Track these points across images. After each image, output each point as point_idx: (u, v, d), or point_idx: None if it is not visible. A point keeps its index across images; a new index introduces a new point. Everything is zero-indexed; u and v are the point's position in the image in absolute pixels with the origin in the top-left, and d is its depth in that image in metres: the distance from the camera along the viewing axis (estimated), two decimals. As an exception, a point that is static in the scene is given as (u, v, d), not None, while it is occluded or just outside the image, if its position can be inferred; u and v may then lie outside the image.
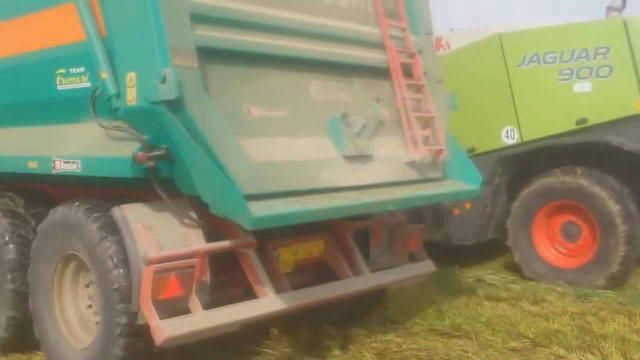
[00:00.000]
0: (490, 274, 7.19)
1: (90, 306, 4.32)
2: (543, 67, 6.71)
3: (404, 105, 4.75)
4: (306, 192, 4.00)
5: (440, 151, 4.88)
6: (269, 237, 4.51)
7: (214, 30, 3.79)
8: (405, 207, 4.94)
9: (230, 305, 3.97)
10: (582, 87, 6.56)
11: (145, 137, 3.73)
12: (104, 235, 3.90)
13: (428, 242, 5.78)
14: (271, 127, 4.01)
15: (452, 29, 7.78)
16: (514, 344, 5.07)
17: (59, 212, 4.27)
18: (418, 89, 4.94)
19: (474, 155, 7.08)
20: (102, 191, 4.40)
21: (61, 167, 4.22)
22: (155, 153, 3.67)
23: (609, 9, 7.11)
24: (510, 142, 6.93)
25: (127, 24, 3.73)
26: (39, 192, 4.96)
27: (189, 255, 3.85)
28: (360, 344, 5.08)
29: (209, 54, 3.75)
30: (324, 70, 4.45)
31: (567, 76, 6.60)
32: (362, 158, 4.40)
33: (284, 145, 4.02)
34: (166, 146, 3.67)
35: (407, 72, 4.94)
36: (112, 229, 3.91)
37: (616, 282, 6.49)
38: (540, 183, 6.82)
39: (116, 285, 3.82)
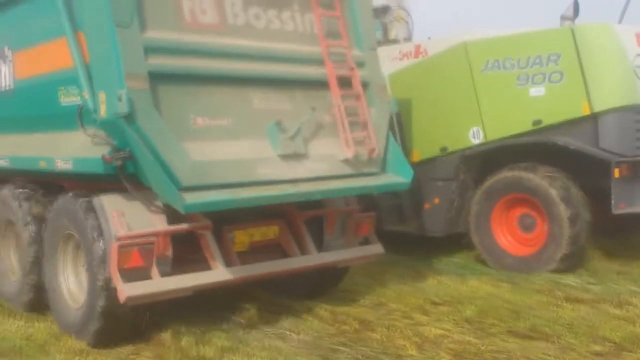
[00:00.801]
0: (566, 275, 7.08)
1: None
2: (503, 73, 7.39)
3: (339, 112, 5.69)
4: (244, 184, 5.03)
5: (373, 150, 5.80)
6: (229, 221, 5.58)
7: (164, 58, 4.86)
8: (335, 196, 5.88)
9: (183, 275, 5.06)
10: (536, 91, 7.22)
11: (115, 142, 4.84)
12: (87, 218, 5.05)
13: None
14: (214, 133, 5.05)
15: (429, 38, 8.57)
16: (597, 347, 4.99)
17: (59, 201, 5.48)
18: (356, 97, 5.86)
19: (447, 154, 7.90)
20: (96, 184, 5.53)
21: (61, 165, 5.42)
22: (119, 155, 4.78)
23: (562, 18, 7.67)
24: (476, 141, 7.63)
25: (99, 54, 4.84)
26: (53, 183, 6.16)
27: (151, 235, 4.95)
28: (437, 344, 5.19)
29: (160, 77, 4.82)
30: (267, 85, 5.45)
31: (524, 81, 7.27)
32: (296, 156, 5.38)
33: (225, 147, 5.06)
34: (129, 150, 4.77)
35: (347, 83, 5.87)
36: (94, 213, 5.06)
37: (567, 263, 7.10)
38: (495, 179, 7.51)
39: (96, 255, 4.97)
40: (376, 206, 7.84)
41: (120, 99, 4.56)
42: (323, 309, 6.08)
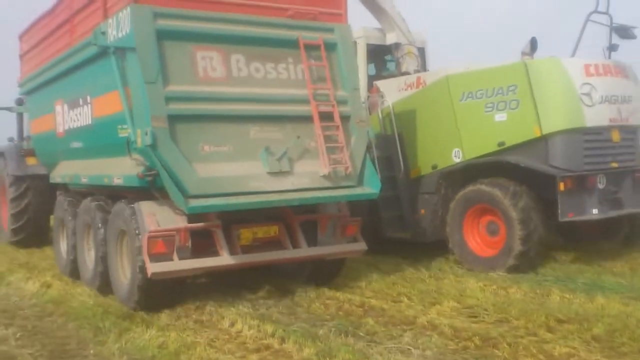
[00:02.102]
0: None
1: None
2: (475, 102, 8.87)
3: (320, 139, 7.44)
4: (238, 194, 6.90)
5: (347, 168, 7.50)
6: (235, 221, 7.45)
7: (180, 104, 6.83)
8: (311, 203, 7.53)
9: (196, 259, 6.99)
10: (500, 117, 8.63)
11: (147, 164, 6.86)
12: (132, 218, 7.09)
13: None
14: (217, 156, 6.95)
15: (428, 70, 10.08)
16: None
17: (116, 207, 7.58)
18: (336, 128, 7.60)
19: (436, 171, 9.39)
20: (143, 194, 7.55)
21: (116, 181, 7.53)
22: (149, 172, 6.79)
23: (522, 53, 8.96)
24: (457, 160, 9.10)
25: (137, 102, 6.88)
26: (118, 194, 8.27)
27: (173, 230, 6.91)
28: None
29: (177, 118, 6.79)
30: (262, 120, 7.31)
31: (490, 108, 8.71)
32: (282, 173, 7.19)
33: (225, 167, 6.95)
34: (155, 169, 6.76)
35: (330, 117, 7.62)
36: (135, 215, 7.09)
37: (521, 260, 8.31)
38: (464, 192, 8.89)
39: (136, 245, 6.98)
40: (379, 216, 9.51)
41: (147, 134, 6.57)
42: (444, 324, 6.28)
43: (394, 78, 10.07)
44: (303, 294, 7.68)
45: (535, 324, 6.17)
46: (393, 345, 5.78)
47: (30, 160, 12.32)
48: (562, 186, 8.12)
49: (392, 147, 9.59)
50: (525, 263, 8.41)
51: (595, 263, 8.75)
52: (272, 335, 6.04)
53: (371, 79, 10.65)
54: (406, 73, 10.25)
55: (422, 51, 11.14)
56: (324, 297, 7.58)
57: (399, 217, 9.70)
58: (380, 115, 9.80)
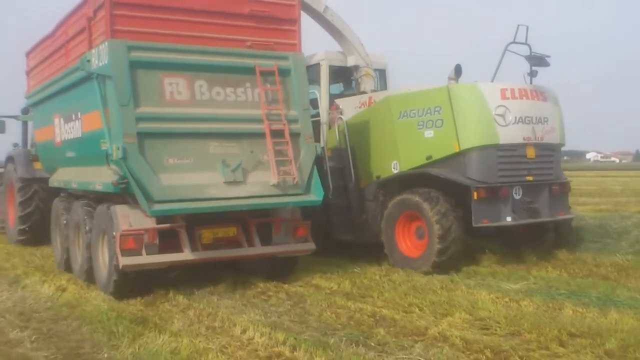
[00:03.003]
0: None
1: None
2: (410, 120, 10.04)
3: (271, 153, 8.66)
4: (197, 199, 8.15)
5: (294, 178, 8.71)
6: (199, 223, 8.69)
7: (148, 123, 8.10)
8: (263, 208, 8.77)
9: (160, 254, 8.25)
10: (428, 134, 9.81)
11: (121, 173, 8.13)
12: (109, 219, 8.38)
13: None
14: (180, 168, 8.21)
15: (375, 90, 11.30)
16: None
17: (98, 209, 8.88)
18: (286, 144, 8.81)
19: (376, 181, 10.52)
20: (121, 198, 8.81)
21: (98, 187, 8.82)
22: (122, 181, 8.06)
23: (449, 78, 10.06)
24: (395, 171, 10.26)
25: (113, 121, 8.16)
26: (102, 198, 9.53)
27: (142, 230, 8.18)
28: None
29: (146, 135, 8.06)
30: (221, 137, 8.55)
31: (421, 126, 9.88)
32: (236, 182, 8.43)
33: (187, 177, 8.20)
34: (126, 179, 8.04)
35: (281, 134, 8.84)
36: (112, 216, 8.38)
37: (441, 258, 9.34)
38: (395, 200, 10.03)
39: (112, 241, 8.26)
40: (331, 221, 10.71)
41: (119, 149, 7.85)
42: (455, 336, 6.32)
43: (352, 97, 11.28)
44: (314, 302, 7.95)
45: (548, 338, 6.18)
46: (404, 356, 5.84)
47: (37, 165, 13.63)
48: (475, 195, 9.24)
49: (345, 159, 10.79)
50: (445, 261, 9.47)
51: (609, 278, 9.13)
52: (284, 343, 6.13)
53: (338, 96, 11.83)
54: (363, 92, 11.42)
55: (382, 73, 12.33)
56: (335, 306, 7.76)
57: (348, 221, 10.86)
58: (337, 130, 11.00)
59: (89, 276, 9.33)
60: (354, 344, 6.17)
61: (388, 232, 10.15)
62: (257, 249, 8.90)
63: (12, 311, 7.88)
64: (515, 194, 9.57)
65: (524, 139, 9.59)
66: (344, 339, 6.34)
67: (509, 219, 9.50)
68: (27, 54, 12.62)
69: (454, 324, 6.80)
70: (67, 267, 10.28)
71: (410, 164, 10.05)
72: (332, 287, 8.88)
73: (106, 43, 8.13)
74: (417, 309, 7.49)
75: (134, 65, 8.16)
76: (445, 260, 9.49)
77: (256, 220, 9.05)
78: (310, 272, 9.67)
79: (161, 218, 8.32)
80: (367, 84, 11.64)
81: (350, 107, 11.07)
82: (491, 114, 9.38)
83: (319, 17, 11.57)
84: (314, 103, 11.18)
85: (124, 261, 8.03)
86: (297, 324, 7.03)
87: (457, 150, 9.46)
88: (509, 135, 9.47)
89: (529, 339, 6.24)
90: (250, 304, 7.98)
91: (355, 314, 7.34)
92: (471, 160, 9.42)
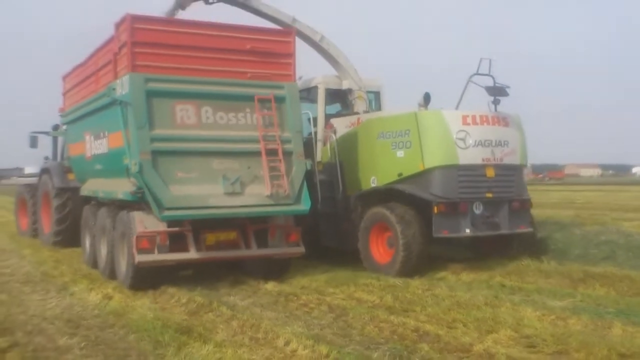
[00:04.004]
0: None
1: (130, 253, 10.40)
2: (385, 141, 11.40)
3: (265, 169, 10.15)
4: (201, 207, 9.68)
5: (285, 190, 10.18)
6: (204, 228, 10.21)
7: (162, 143, 9.66)
8: (257, 215, 10.25)
9: (170, 253, 9.79)
10: (400, 153, 11.15)
11: (138, 185, 9.70)
12: (129, 223, 9.96)
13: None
14: (187, 181, 9.74)
15: (367, 111, 12.74)
16: None
17: (120, 215, 10.47)
18: (279, 161, 10.30)
19: (358, 194, 11.87)
20: (138, 205, 10.36)
21: (119, 196, 10.41)
22: (138, 191, 9.62)
23: (419, 104, 11.39)
24: (374, 185, 11.63)
25: (132, 140, 9.74)
26: (123, 205, 11.09)
27: (155, 232, 9.73)
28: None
29: (159, 153, 9.62)
30: (223, 154, 10.07)
31: (394, 146, 11.24)
32: (235, 194, 9.94)
33: (193, 188, 9.73)
34: (142, 189, 9.60)
35: (275, 152, 10.32)
36: (130, 220, 9.95)
37: (405, 264, 10.53)
38: (369, 212, 11.35)
39: (130, 242, 9.82)
40: (319, 228, 12.13)
41: (136, 164, 9.43)
42: (500, 353, 6.25)
43: (344, 117, 12.73)
44: (357, 315, 7.98)
45: (597, 358, 6.05)
46: None
47: (71, 176, 15.35)
48: (435, 209, 10.52)
49: (334, 173, 12.22)
50: (409, 267, 10.68)
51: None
52: (327, 356, 6.12)
53: (334, 116, 13.26)
54: (356, 113, 12.84)
55: (377, 95, 13.74)
56: (377, 319, 7.73)
57: (334, 229, 12.26)
58: (329, 147, 12.46)
59: (111, 271, 10.90)
60: (397, 359, 6.17)
61: (363, 240, 11.44)
62: (254, 251, 10.39)
63: (60, 318, 8.12)
64: (476, 209, 10.79)
65: (483, 160, 10.84)
66: (387, 353, 6.30)
67: (467, 230, 10.72)
68: (64, 77, 14.36)
69: (499, 341, 6.69)
70: (94, 264, 11.89)
71: (385, 179, 11.39)
72: (374, 301, 8.94)
73: (127, 76, 9.72)
74: (461, 325, 7.39)
75: (150, 94, 9.74)
76: (408, 267, 10.67)
77: (254, 226, 10.54)
78: (351, 285, 10.00)
79: (171, 223, 9.85)
80: (360, 105, 13.02)
81: (342, 126, 12.51)
82: (452, 138, 10.68)
83: (316, 46, 13.06)
84: (312, 121, 12.69)
85: (139, 258, 9.58)
86: (340, 337, 7.04)
87: (422, 169, 10.78)
88: (469, 156, 10.74)
89: (577, 358, 6.13)
90: (292, 316, 8.11)
91: (398, 329, 7.29)
92: (434, 178, 10.72)
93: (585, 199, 35.54)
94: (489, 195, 10.93)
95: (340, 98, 13.59)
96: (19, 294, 9.73)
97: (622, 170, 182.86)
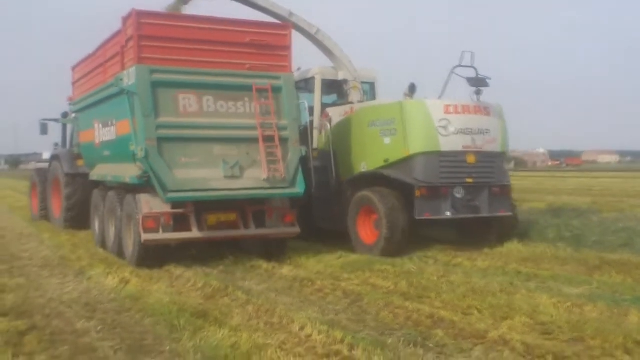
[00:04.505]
0: None
1: (137, 233, 11.14)
2: (375, 129, 12.11)
3: (262, 154, 10.87)
4: (203, 190, 10.42)
5: (282, 174, 10.90)
6: (206, 210, 10.94)
7: (166, 130, 10.38)
8: (254, 197, 10.95)
9: (173, 232, 10.54)
10: (387, 140, 11.85)
11: (144, 169, 10.43)
12: (136, 204, 10.70)
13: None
14: (190, 165, 10.47)
15: (361, 101, 13.44)
16: None
17: (127, 198, 11.22)
18: (276, 147, 11.01)
19: (349, 179, 12.56)
20: (144, 189, 11.08)
21: (127, 180, 11.15)
22: (144, 175, 10.36)
23: (405, 94, 12.08)
24: (364, 170, 12.33)
25: (138, 128, 10.47)
26: (130, 189, 11.82)
27: (160, 213, 10.47)
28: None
29: (164, 139, 10.35)
30: (223, 141, 10.80)
31: (382, 134, 11.95)
32: (234, 177, 10.66)
33: (196, 172, 10.46)
34: (148, 173, 10.33)
35: (272, 139, 11.03)
36: (137, 202, 10.70)
37: (389, 244, 11.21)
38: (357, 195, 12.05)
39: (137, 221, 10.57)
40: (313, 210, 12.84)
41: (142, 150, 10.16)
42: (515, 340, 6.21)
43: (339, 106, 13.43)
44: (371, 301, 8.01)
45: (613, 345, 6.04)
46: (463, 359, 5.80)
47: (80, 162, 16.11)
48: (418, 193, 11.24)
49: (328, 159, 12.94)
50: (393, 247, 11.37)
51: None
52: (342, 342, 6.14)
53: (330, 105, 13.96)
54: (351, 103, 13.53)
55: (372, 85, 14.45)
56: (392, 305, 7.73)
57: (327, 212, 12.98)
58: (324, 135, 13.17)
59: (120, 250, 11.65)
60: (412, 345, 6.17)
61: (352, 222, 12.18)
62: (252, 231, 11.13)
63: (78, 302, 8.25)
64: (457, 193, 11.48)
65: (463, 147, 11.51)
66: (402, 339, 6.35)
67: (448, 213, 11.42)
68: (73, 68, 15.09)
69: (514, 328, 6.70)
70: (103, 244, 12.65)
71: (374, 165, 12.10)
72: (388, 287, 8.96)
73: (134, 67, 10.44)
74: (476, 312, 7.41)
75: (155, 84, 10.45)
76: (392, 247, 11.39)
77: (252, 208, 11.27)
78: (366, 271, 10.07)
79: (175, 204, 10.58)
80: (355, 95, 13.71)
81: (337, 115, 13.22)
82: (434, 126, 11.36)
83: (312, 38, 13.75)
84: (310, 110, 13.40)
85: (145, 237, 10.33)
86: (355, 323, 7.09)
87: (407, 155, 11.48)
88: (450, 144, 11.42)
89: (592, 346, 6.11)
90: (307, 301, 8.17)
91: (413, 315, 7.32)
92: (417, 164, 11.42)
93: (602, 186, 35.40)
94: (470, 180, 11.59)
95: (336, 88, 14.27)
96: (37, 277, 10.01)
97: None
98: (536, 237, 12.69)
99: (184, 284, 9.31)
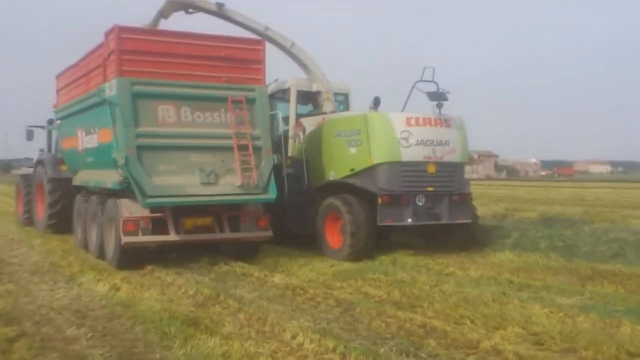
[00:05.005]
0: None
1: (117, 236, 11.75)
2: (342, 139, 12.82)
3: (237, 162, 11.52)
4: (180, 196, 11.05)
5: (254, 181, 11.55)
6: (183, 214, 11.57)
7: (145, 139, 11.00)
8: (229, 203, 11.60)
9: (152, 235, 11.16)
10: (353, 150, 12.54)
11: (124, 175, 11.05)
12: (117, 208, 11.31)
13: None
14: (168, 172, 11.09)
15: (333, 112, 14.14)
16: None
17: (108, 202, 11.83)
18: (249, 155, 11.67)
19: (318, 186, 13.23)
20: (124, 194, 11.69)
21: (108, 185, 11.76)
22: (124, 181, 10.98)
23: (370, 107, 12.83)
24: (332, 179, 13.00)
25: (119, 136, 11.09)
26: (112, 194, 12.43)
27: (139, 217, 11.10)
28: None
29: (143, 147, 10.98)
30: (200, 149, 11.44)
31: (348, 145, 12.65)
32: (210, 184, 11.31)
33: (173, 179, 11.09)
34: (128, 179, 10.95)
35: (246, 148, 11.69)
36: (118, 206, 11.31)
37: (353, 249, 11.85)
38: (325, 203, 12.71)
39: (118, 224, 11.17)
40: (286, 216, 13.51)
41: (123, 157, 10.79)
42: (508, 350, 6.24)
43: (312, 117, 14.11)
44: (364, 310, 8.01)
45: (605, 356, 6.04)
46: None
47: (63, 168, 16.63)
48: (380, 200, 11.90)
49: (301, 167, 13.61)
50: (356, 252, 12.00)
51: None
52: (333, 351, 6.12)
53: (305, 116, 14.61)
54: (324, 113, 14.21)
55: (346, 97, 15.17)
56: (384, 315, 7.72)
57: (299, 217, 13.62)
58: (298, 144, 13.84)
59: (101, 252, 12.24)
60: (404, 355, 6.16)
61: (320, 227, 12.84)
62: (227, 234, 11.78)
63: (68, 308, 8.20)
64: (418, 201, 12.16)
65: (424, 157, 12.21)
66: (394, 349, 6.33)
67: (409, 220, 12.09)
68: (57, 77, 15.66)
69: (506, 338, 6.70)
70: (85, 246, 13.23)
71: (341, 174, 12.79)
72: (381, 296, 8.95)
73: (115, 79, 11.06)
74: (468, 321, 7.41)
75: (135, 95, 11.08)
76: (355, 252, 12.01)
77: (227, 213, 11.92)
78: (358, 280, 10.08)
79: (153, 209, 11.21)
80: (327, 106, 14.39)
81: (310, 125, 13.90)
82: (396, 137, 12.07)
83: (287, 52, 14.44)
84: (285, 120, 14.08)
85: (125, 239, 10.94)
86: (347, 332, 7.05)
87: (370, 165, 12.18)
88: (411, 154, 12.12)
89: (585, 357, 6.12)
90: (299, 310, 8.13)
91: (405, 324, 7.31)
92: (380, 173, 12.12)
93: (594, 196, 35.69)
94: (430, 189, 12.28)
95: (311, 99, 14.94)
96: (27, 283, 9.99)
97: (632, 167, 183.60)
98: (528, 246, 12.83)
99: (175, 292, 9.31)
